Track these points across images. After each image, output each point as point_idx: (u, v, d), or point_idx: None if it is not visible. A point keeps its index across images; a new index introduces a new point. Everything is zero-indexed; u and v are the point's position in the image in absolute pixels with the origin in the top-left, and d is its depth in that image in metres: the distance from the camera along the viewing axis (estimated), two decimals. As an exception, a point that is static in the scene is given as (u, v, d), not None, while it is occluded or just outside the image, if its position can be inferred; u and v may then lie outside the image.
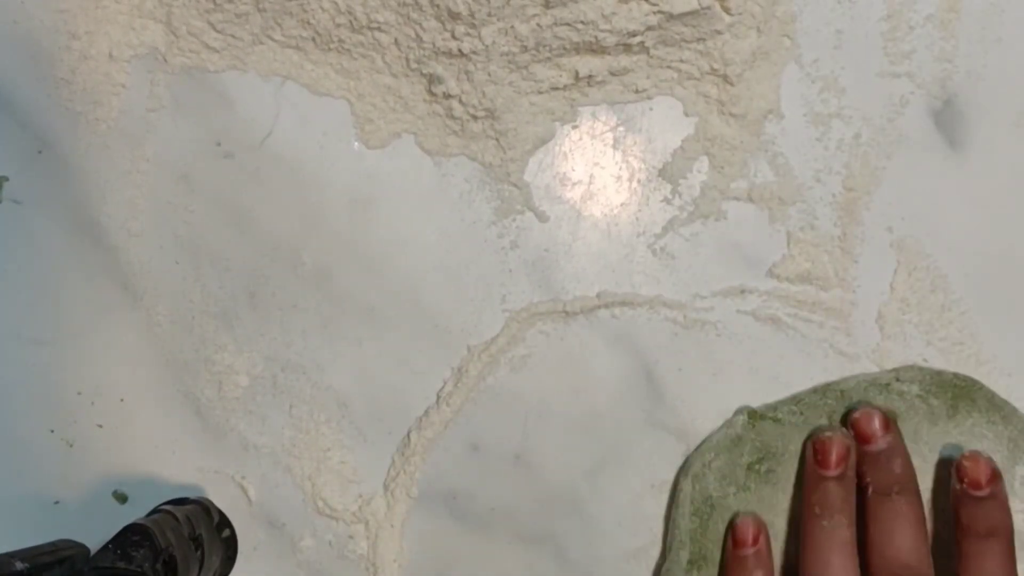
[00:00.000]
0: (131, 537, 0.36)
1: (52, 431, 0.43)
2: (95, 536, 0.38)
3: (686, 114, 0.43)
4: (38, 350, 0.43)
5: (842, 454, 0.38)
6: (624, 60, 0.41)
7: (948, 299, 0.42)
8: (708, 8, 0.39)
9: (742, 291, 0.43)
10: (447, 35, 0.40)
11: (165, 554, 0.36)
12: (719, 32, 0.40)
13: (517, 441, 0.43)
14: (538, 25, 0.39)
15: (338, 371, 0.43)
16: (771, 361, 0.43)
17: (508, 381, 0.43)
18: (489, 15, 0.39)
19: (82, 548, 0.37)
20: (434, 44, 0.40)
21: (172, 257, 0.44)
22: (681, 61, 0.41)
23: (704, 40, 0.41)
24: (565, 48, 0.40)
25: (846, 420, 0.40)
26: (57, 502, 0.43)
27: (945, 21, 0.42)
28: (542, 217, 0.43)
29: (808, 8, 0.42)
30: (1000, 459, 0.39)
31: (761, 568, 0.38)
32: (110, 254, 0.44)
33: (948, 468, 0.39)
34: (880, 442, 0.38)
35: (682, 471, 0.42)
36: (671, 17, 0.39)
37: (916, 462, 0.38)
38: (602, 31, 0.39)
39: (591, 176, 0.43)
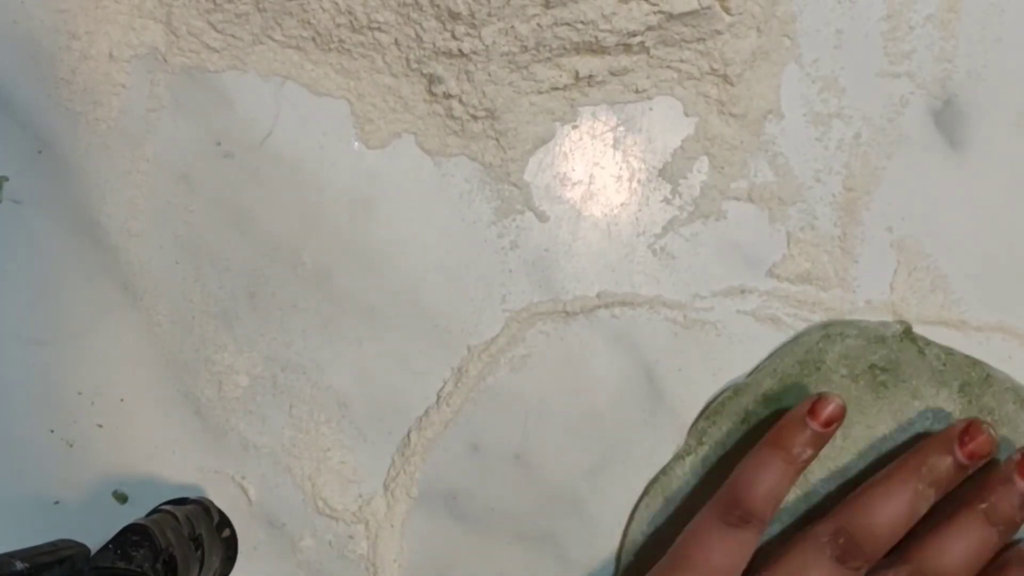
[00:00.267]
0: (131, 537, 0.36)
1: (52, 431, 0.43)
2: (95, 536, 0.38)
3: (686, 114, 0.43)
4: (38, 350, 0.43)
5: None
6: (624, 60, 0.41)
7: (948, 299, 0.42)
8: (708, 8, 0.39)
9: (742, 291, 0.43)
10: (447, 35, 0.40)
11: (165, 554, 0.36)
12: (719, 32, 0.40)
13: (517, 441, 0.43)
14: (538, 25, 0.39)
15: (338, 371, 0.43)
16: (771, 361, 0.43)
17: (508, 381, 0.43)
18: (489, 15, 0.39)
19: (82, 548, 0.37)
20: (434, 44, 0.40)
21: (172, 257, 0.44)
22: (681, 61, 0.41)
23: (704, 40, 0.41)
24: (565, 48, 0.40)
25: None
26: (57, 502, 0.43)
27: (945, 21, 0.42)
28: (542, 217, 0.43)
29: (808, 8, 0.42)
30: None
31: (812, 450, 0.37)
32: (110, 254, 0.44)
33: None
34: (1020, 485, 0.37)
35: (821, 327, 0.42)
36: (671, 17, 0.39)
37: None
38: (602, 31, 0.39)
39: (591, 176, 0.43)
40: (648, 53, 0.41)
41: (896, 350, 0.41)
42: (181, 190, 0.44)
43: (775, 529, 0.40)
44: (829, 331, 0.41)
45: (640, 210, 0.43)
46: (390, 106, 0.43)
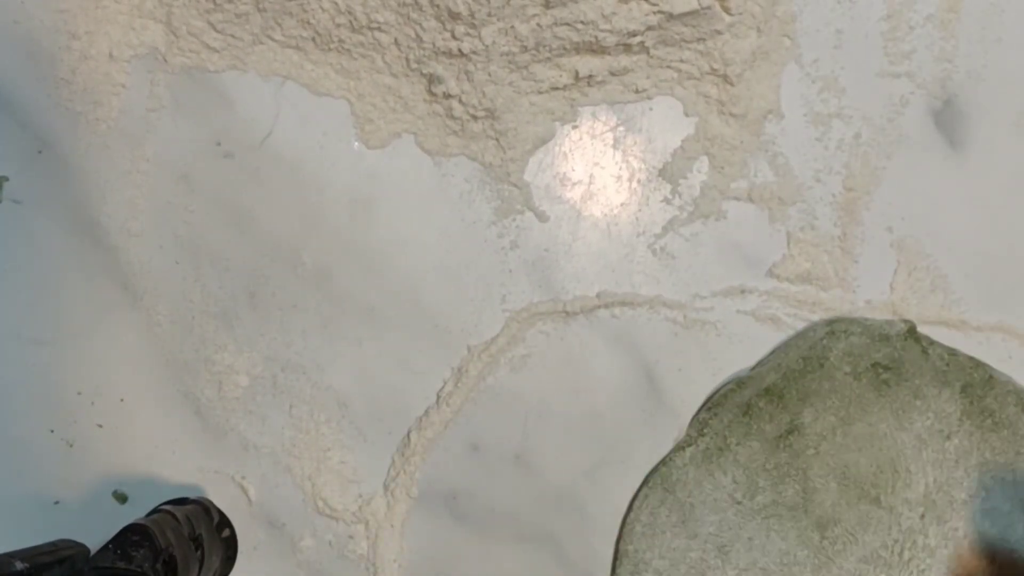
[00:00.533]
0: (131, 537, 0.36)
1: (52, 431, 0.43)
2: (95, 536, 0.38)
3: (686, 114, 0.43)
4: (38, 350, 0.43)
5: None
6: (624, 60, 0.41)
7: (948, 299, 0.42)
8: (708, 8, 0.39)
9: (742, 291, 0.43)
10: (447, 35, 0.40)
11: (165, 554, 0.36)
12: (719, 32, 0.40)
13: (517, 441, 0.43)
14: (538, 25, 0.39)
15: (338, 371, 0.43)
16: (771, 361, 0.43)
17: (508, 381, 0.43)
18: (489, 15, 0.39)
19: (82, 548, 0.37)
20: (434, 44, 0.40)
21: (172, 257, 0.44)
22: (681, 61, 0.41)
23: (704, 40, 0.41)
24: (565, 48, 0.40)
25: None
26: (57, 502, 0.43)
27: (945, 21, 0.42)
28: (542, 217, 0.43)
29: (808, 8, 0.42)
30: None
31: None
32: (110, 254, 0.44)
33: None
34: None
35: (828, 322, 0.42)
36: (671, 17, 0.39)
37: None
38: (602, 31, 0.39)
39: (591, 176, 0.43)
40: (648, 53, 0.41)
41: (900, 349, 0.41)
42: (181, 190, 0.44)
43: (773, 523, 0.40)
44: (834, 328, 0.41)
45: (640, 210, 0.43)
46: (390, 106, 0.43)
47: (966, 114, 0.42)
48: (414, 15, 0.40)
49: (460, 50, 0.40)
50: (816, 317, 0.42)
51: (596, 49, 0.41)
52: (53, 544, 0.37)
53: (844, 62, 0.42)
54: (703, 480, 0.41)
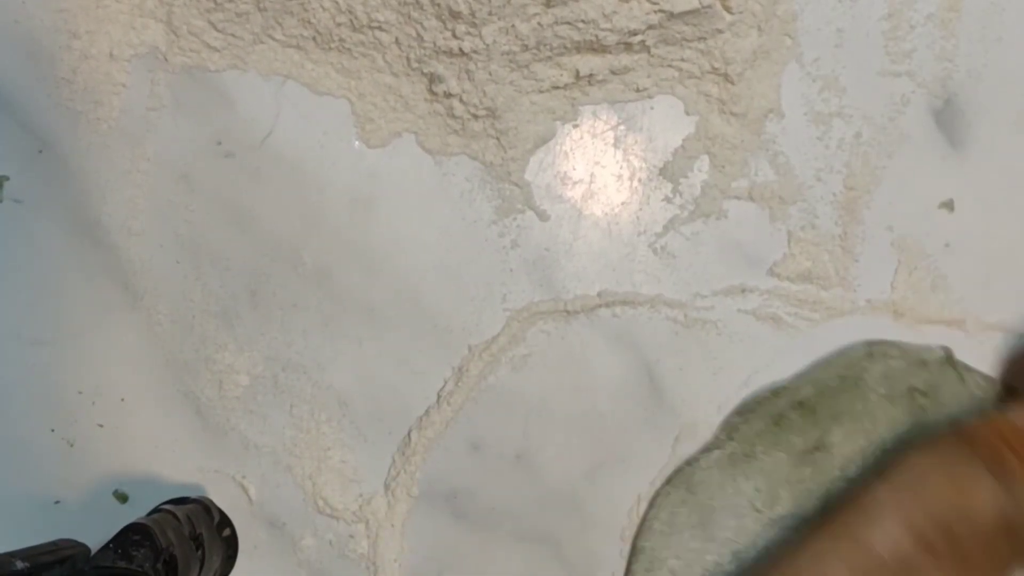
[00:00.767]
0: (132, 536, 0.36)
1: (52, 431, 0.43)
2: (95, 536, 0.38)
3: (687, 113, 0.43)
4: (38, 350, 0.43)
5: None
6: (625, 59, 0.41)
7: (948, 299, 0.42)
8: (709, 7, 0.39)
9: (743, 290, 0.43)
10: (448, 34, 0.40)
11: (166, 553, 0.36)
12: (720, 31, 0.40)
13: (517, 441, 0.43)
14: (539, 24, 0.39)
15: (339, 371, 0.43)
16: (772, 360, 0.43)
17: (509, 380, 0.43)
18: (490, 14, 0.39)
19: (83, 548, 0.37)
20: (435, 43, 0.40)
21: (172, 257, 0.44)
22: (682, 60, 0.41)
23: (705, 39, 0.41)
24: (566, 47, 0.40)
25: None
26: (57, 502, 0.43)
27: (946, 20, 0.42)
28: (543, 216, 0.43)
29: (809, 7, 0.42)
30: None
31: None
32: (110, 254, 0.44)
33: None
34: None
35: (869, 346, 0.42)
36: (672, 16, 0.39)
37: None
38: (603, 30, 0.39)
39: (592, 175, 0.43)
40: (649, 52, 0.41)
41: (937, 374, 0.41)
42: (181, 189, 0.44)
43: (791, 536, 0.40)
44: (873, 350, 0.41)
45: (641, 209, 0.43)
46: (391, 105, 0.43)
47: (966, 113, 0.42)
48: (415, 14, 0.40)
49: (461, 49, 0.40)
50: (817, 316, 0.42)
51: (597, 48, 0.41)
52: (54, 544, 0.36)
53: (845, 61, 0.42)
54: (726, 484, 0.41)
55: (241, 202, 0.44)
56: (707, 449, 0.42)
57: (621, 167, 0.43)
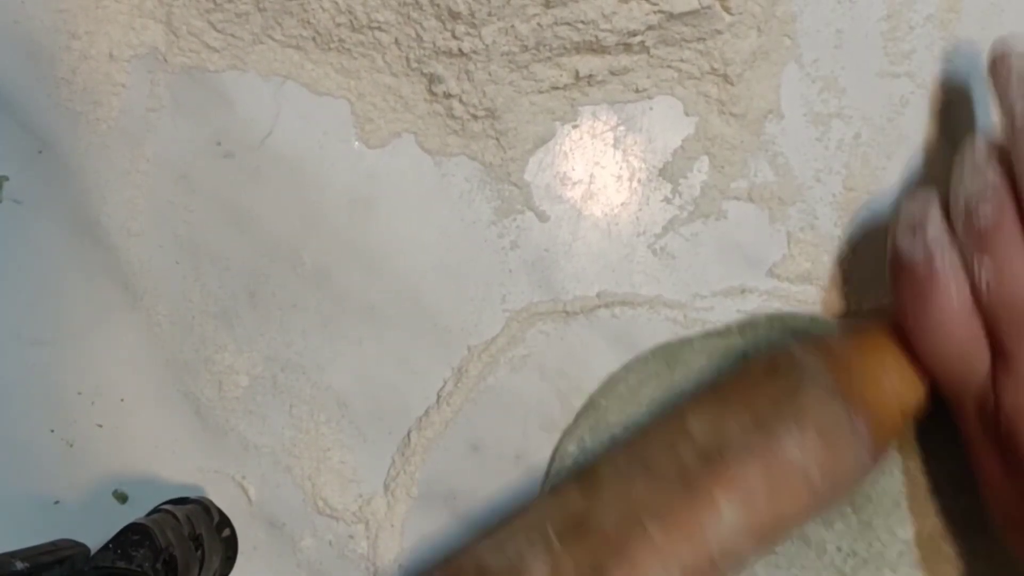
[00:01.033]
0: (131, 537, 0.36)
1: (52, 431, 0.43)
2: (95, 536, 0.38)
3: (686, 114, 0.43)
4: (38, 350, 0.43)
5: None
6: (624, 59, 0.41)
7: (948, 299, 0.42)
8: (708, 7, 0.39)
9: (742, 291, 0.43)
10: (447, 34, 0.40)
11: (165, 554, 0.36)
12: (719, 32, 0.40)
13: (517, 441, 0.43)
14: (538, 24, 0.39)
15: (338, 371, 0.43)
16: (771, 361, 0.43)
17: (508, 381, 0.43)
18: (489, 14, 0.39)
19: (82, 548, 0.37)
20: (434, 43, 0.40)
21: (172, 257, 0.44)
22: (681, 61, 0.41)
23: (704, 40, 0.41)
24: (565, 47, 0.40)
25: None
26: (57, 502, 0.43)
27: (945, 21, 0.42)
28: (542, 217, 0.43)
29: (808, 8, 0.42)
30: None
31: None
32: (110, 254, 0.44)
33: None
34: None
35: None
36: (671, 16, 0.39)
37: None
38: (602, 30, 0.39)
39: (591, 176, 0.43)
40: (648, 52, 0.41)
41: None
42: (181, 190, 0.44)
43: None
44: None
45: (640, 210, 0.43)
46: (390, 105, 0.43)
47: (965, 112, 0.42)
48: (414, 14, 0.40)
49: (460, 49, 0.40)
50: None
51: (596, 49, 0.41)
52: (53, 544, 0.37)
53: (844, 62, 0.42)
54: (706, 374, 0.40)
55: (240, 202, 0.44)
56: (708, 335, 0.41)
57: (620, 168, 0.43)
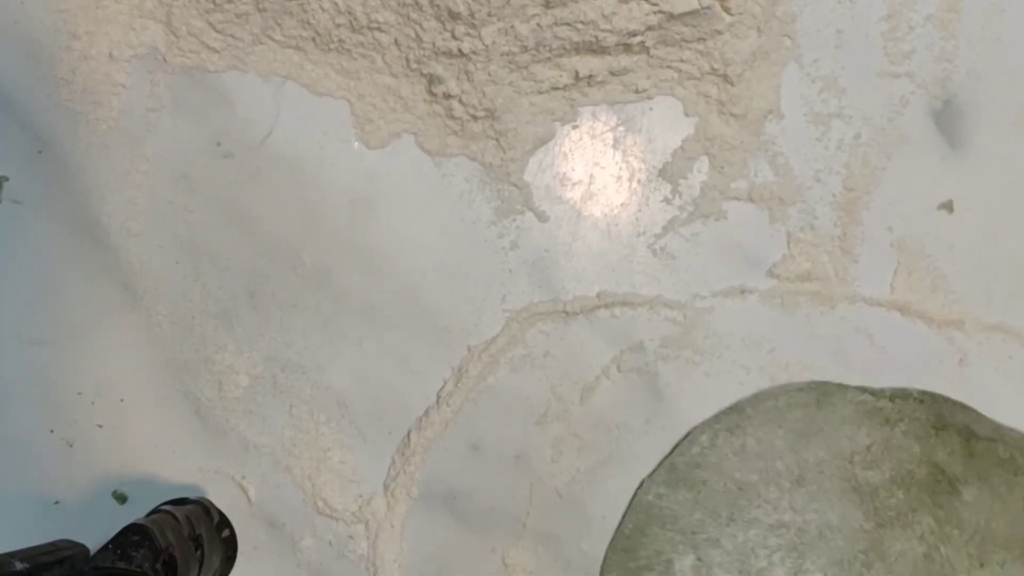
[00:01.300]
0: (131, 537, 0.36)
1: (52, 431, 0.43)
2: (95, 536, 0.38)
3: (686, 114, 0.43)
4: (38, 350, 0.43)
5: None
6: (624, 60, 0.41)
7: (948, 299, 0.42)
8: (708, 8, 0.39)
9: (742, 291, 0.43)
10: (447, 35, 0.40)
11: (165, 554, 0.36)
12: (719, 32, 0.40)
13: (517, 441, 0.43)
14: (538, 25, 0.39)
15: (338, 371, 0.43)
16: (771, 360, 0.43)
17: (508, 381, 0.43)
18: (489, 15, 0.39)
19: (82, 548, 0.37)
20: (434, 44, 0.40)
21: (172, 257, 0.44)
22: (681, 61, 0.41)
23: (704, 40, 0.41)
24: (565, 48, 0.40)
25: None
26: (57, 502, 0.43)
27: (945, 21, 0.42)
28: (542, 217, 0.43)
29: (808, 8, 0.42)
30: None
31: None
32: (110, 254, 0.44)
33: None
34: None
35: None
36: (671, 17, 0.39)
37: None
38: (602, 31, 0.39)
39: (591, 176, 0.43)
40: (648, 53, 0.41)
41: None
42: (181, 190, 0.44)
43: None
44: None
45: (640, 210, 0.43)
46: (390, 106, 0.43)
47: (966, 114, 0.42)
48: (414, 15, 0.40)
49: (460, 50, 0.40)
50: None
51: (596, 49, 0.41)
52: (53, 544, 0.37)
53: (844, 62, 0.42)
54: (849, 419, 0.41)
55: (240, 203, 0.44)
56: (864, 389, 0.41)
57: (620, 168, 0.43)
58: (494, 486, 0.43)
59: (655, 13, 0.39)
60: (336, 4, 0.40)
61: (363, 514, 0.43)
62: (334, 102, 0.43)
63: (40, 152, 0.44)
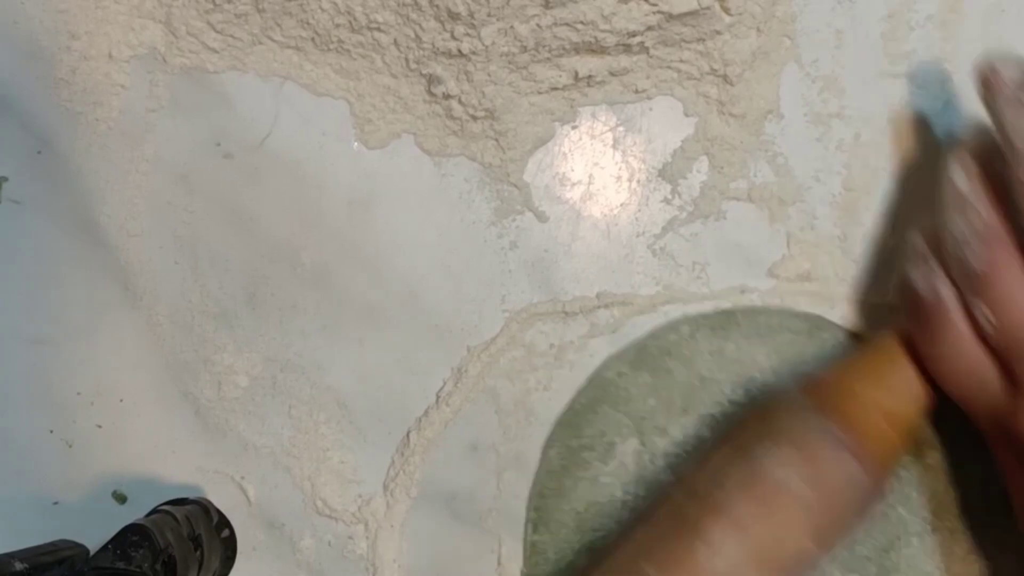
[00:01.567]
0: (130, 537, 0.36)
1: (52, 431, 0.43)
2: (94, 536, 0.38)
3: (686, 114, 0.43)
4: (38, 350, 0.44)
5: None
6: (624, 60, 0.41)
7: (948, 299, 0.42)
8: (708, 8, 0.39)
9: (742, 291, 0.42)
10: (447, 35, 0.40)
11: (164, 554, 0.36)
12: (719, 32, 0.40)
13: (517, 441, 0.43)
14: (538, 25, 0.39)
15: (338, 371, 0.43)
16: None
17: (508, 381, 0.43)
18: (489, 15, 0.39)
19: (81, 548, 0.37)
20: (434, 44, 0.40)
21: (171, 257, 0.44)
22: (681, 61, 0.41)
23: (704, 40, 0.41)
24: (565, 48, 0.40)
25: None
26: (57, 502, 0.43)
27: (945, 21, 0.42)
28: (542, 217, 0.43)
29: (808, 8, 0.42)
30: None
31: None
32: (110, 254, 0.44)
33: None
34: None
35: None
36: (671, 17, 0.39)
37: None
38: (602, 31, 0.39)
39: (591, 176, 0.43)
40: (648, 53, 0.41)
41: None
42: (181, 190, 0.44)
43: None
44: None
45: (640, 210, 0.43)
46: (389, 106, 0.43)
47: (966, 114, 0.42)
48: (414, 15, 0.40)
49: (460, 50, 0.40)
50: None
51: (596, 49, 0.41)
52: (52, 544, 0.37)
53: (844, 62, 0.42)
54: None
55: (240, 203, 0.44)
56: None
57: (620, 168, 0.43)
58: (494, 486, 0.43)
59: (655, 13, 0.39)
60: (336, 4, 0.40)
61: (363, 514, 0.43)
62: (334, 102, 0.43)
63: (40, 152, 0.44)
